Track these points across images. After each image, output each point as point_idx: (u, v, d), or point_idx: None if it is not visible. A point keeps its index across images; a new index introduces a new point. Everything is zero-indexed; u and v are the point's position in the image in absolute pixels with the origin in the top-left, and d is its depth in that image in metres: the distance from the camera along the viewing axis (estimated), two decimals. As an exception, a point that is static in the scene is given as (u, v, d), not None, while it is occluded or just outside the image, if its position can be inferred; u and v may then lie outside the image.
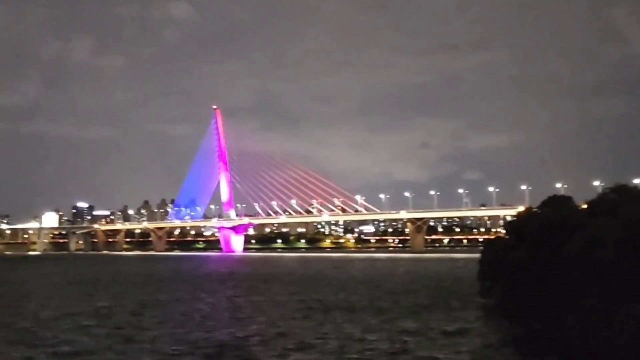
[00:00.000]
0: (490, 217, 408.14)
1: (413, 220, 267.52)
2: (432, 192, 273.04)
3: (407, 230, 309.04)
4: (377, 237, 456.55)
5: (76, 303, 56.19)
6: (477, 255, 54.30)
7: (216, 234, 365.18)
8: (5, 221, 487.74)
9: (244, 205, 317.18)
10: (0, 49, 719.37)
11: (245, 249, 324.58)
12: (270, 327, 39.87)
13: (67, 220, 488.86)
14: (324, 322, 41.87)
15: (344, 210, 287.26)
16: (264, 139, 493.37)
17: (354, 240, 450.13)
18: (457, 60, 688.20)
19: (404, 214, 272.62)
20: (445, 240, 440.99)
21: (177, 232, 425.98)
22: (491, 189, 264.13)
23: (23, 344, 34.74)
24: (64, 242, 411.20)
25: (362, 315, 45.46)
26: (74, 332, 39.04)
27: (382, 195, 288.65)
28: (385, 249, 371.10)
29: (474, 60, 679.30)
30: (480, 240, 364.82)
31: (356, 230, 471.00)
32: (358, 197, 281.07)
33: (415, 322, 41.71)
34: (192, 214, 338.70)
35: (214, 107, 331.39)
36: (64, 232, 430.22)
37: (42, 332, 38.93)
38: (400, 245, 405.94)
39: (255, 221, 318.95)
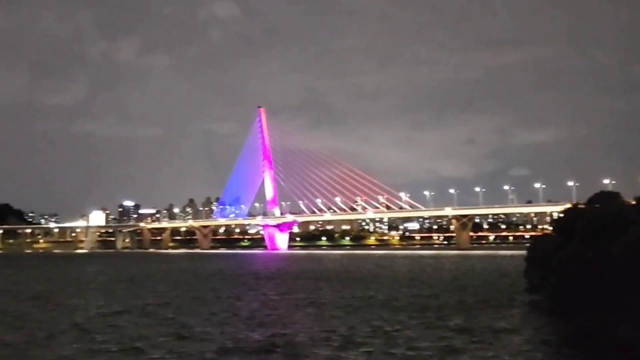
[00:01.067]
0: (536, 214, 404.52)
1: (458, 217, 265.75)
2: (477, 189, 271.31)
3: (452, 227, 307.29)
4: (422, 235, 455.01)
5: (124, 301, 56.61)
6: (524, 252, 53.67)
7: (261, 232, 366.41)
8: (53, 220, 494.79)
9: (289, 203, 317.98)
10: (48, 50, 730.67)
11: (289, 247, 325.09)
12: (316, 325, 39.74)
13: (114, 219, 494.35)
14: (370, 320, 41.65)
15: (388, 208, 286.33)
16: (308, 137, 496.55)
17: (398, 238, 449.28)
18: (502, 55, 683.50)
19: (449, 211, 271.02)
20: (491, 238, 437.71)
21: (222, 230, 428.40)
22: (537, 185, 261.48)
23: (74, 341, 35.02)
24: (110, 241, 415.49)
25: (408, 313, 45.14)
26: (122, 329, 39.31)
27: (426, 192, 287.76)
28: (430, 246, 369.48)
29: (519, 55, 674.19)
30: (527, 237, 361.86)
31: (401, 227, 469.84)
32: (403, 194, 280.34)
33: (462, 320, 41.29)
34: (237, 212, 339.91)
35: (259, 105, 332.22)
36: (110, 231, 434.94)
37: (92, 329, 39.23)
38: (445, 242, 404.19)
39: (300, 219, 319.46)
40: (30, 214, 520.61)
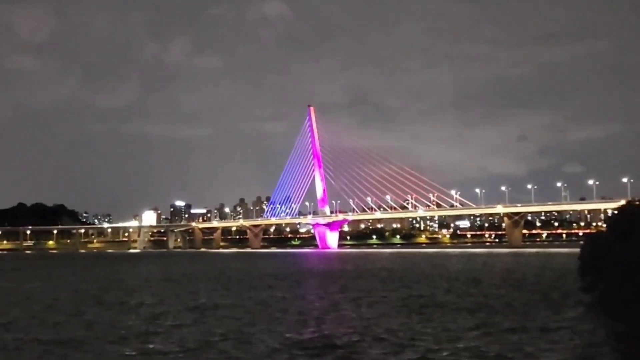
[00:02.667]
0: (590, 211, 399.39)
1: (510, 215, 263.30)
2: (529, 186, 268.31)
3: (503, 225, 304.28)
4: (473, 232, 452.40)
5: (178, 300, 57.07)
6: (577, 250, 52.85)
7: (311, 231, 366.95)
8: (106, 220, 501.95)
9: (339, 201, 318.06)
10: (101, 53, 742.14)
11: (340, 245, 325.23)
12: (368, 325, 39.64)
13: (166, 219, 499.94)
14: (422, 320, 41.43)
15: (439, 206, 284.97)
16: (358, 135, 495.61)
17: (449, 236, 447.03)
18: (554, 51, 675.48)
19: (500, 209, 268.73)
20: (544, 235, 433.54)
21: (272, 229, 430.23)
22: (591, 182, 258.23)
23: (129, 340, 35.37)
24: (162, 240, 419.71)
25: (460, 312, 44.81)
26: (177, 328, 39.59)
27: (478, 190, 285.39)
28: (481, 244, 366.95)
29: (571, 50, 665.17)
30: (580, 234, 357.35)
31: (452, 225, 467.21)
32: (453, 192, 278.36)
33: (515, 319, 40.87)
34: (288, 211, 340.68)
35: (308, 104, 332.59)
36: (162, 231, 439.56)
37: (152, 329, 39.57)
38: (497, 240, 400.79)
39: (350, 217, 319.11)
40: (84, 215, 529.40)
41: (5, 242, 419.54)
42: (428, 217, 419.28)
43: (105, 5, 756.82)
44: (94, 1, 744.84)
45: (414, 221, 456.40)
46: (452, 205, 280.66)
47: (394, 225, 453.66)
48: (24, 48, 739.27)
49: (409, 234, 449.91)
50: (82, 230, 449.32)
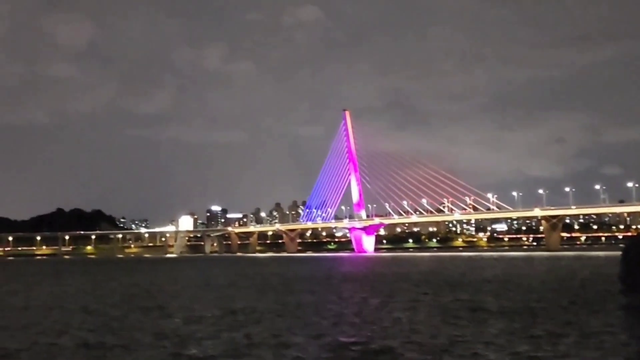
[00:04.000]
0: (629, 214, 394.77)
1: (548, 218, 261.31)
2: (567, 189, 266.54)
3: (541, 228, 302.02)
4: (511, 236, 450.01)
5: (215, 304, 57.15)
6: (617, 253, 52.14)
7: (347, 235, 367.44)
8: (144, 225, 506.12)
9: (375, 205, 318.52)
10: (137, 59, 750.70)
11: (376, 249, 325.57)
12: (406, 330, 39.38)
13: (202, 224, 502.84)
14: (461, 324, 41.06)
15: (475, 209, 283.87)
16: (394, 138, 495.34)
17: (486, 239, 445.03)
18: (591, 52, 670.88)
19: (538, 212, 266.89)
20: (582, 238, 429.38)
21: (308, 233, 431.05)
22: (630, 184, 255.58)
23: (168, 345, 35.47)
24: (199, 245, 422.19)
25: (498, 317, 44.36)
26: (215, 333, 39.62)
27: (514, 193, 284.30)
28: (519, 248, 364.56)
29: (608, 51, 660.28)
30: (620, 237, 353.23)
31: (488, 228, 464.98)
32: (490, 195, 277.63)
33: (555, 323, 40.36)
34: (323, 215, 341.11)
35: (344, 108, 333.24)
36: (199, 235, 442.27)
37: (186, 332, 39.66)
38: (535, 243, 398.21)
39: (386, 221, 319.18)
40: (121, 220, 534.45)
41: (44, 247, 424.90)
42: (464, 221, 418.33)
43: (142, 12, 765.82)
44: (132, 9, 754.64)
45: (451, 225, 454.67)
46: (488, 209, 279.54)
47: (431, 229, 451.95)
48: (63, 56, 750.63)
49: (445, 237, 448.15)
50: (120, 236, 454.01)
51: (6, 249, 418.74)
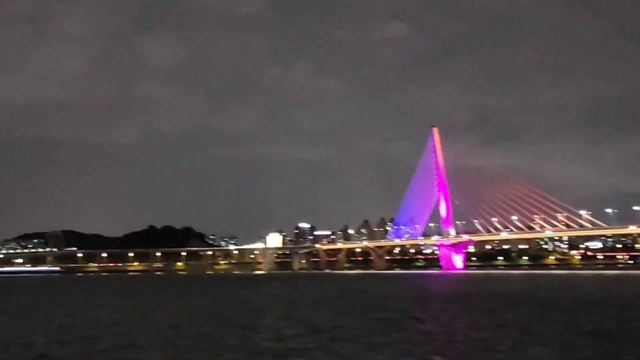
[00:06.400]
0: None
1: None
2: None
3: (637, 246, 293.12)
4: (605, 254, 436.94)
5: (303, 321, 56.62)
6: None
7: (436, 252, 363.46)
8: (233, 242, 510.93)
9: (464, 222, 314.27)
10: (226, 78, 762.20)
11: (465, 267, 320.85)
12: (498, 350, 38.04)
13: (290, 241, 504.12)
14: (552, 347, 39.42)
15: (567, 226, 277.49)
16: (482, 155, 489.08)
17: (579, 257, 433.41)
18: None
19: (633, 229, 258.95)
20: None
21: (396, 250, 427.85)
22: None
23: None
24: (287, 262, 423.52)
25: (592, 338, 42.52)
26: (304, 351, 39.05)
27: (609, 210, 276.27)
28: (614, 266, 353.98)
29: None
30: None
31: (581, 246, 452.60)
32: (583, 212, 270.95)
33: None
34: (411, 231, 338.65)
35: (432, 124, 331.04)
36: (287, 252, 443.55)
37: (276, 349, 39.21)
38: (631, 261, 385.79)
39: (475, 238, 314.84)
40: (211, 237, 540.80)
41: (136, 263, 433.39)
42: (556, 238, 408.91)
43: (230, 32, 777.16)
44: (219, 28, 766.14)
45: (542, 242, 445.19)
46: (581, 226, 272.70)
47: (521, 246, 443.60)
48: (152, 75, 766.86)
49: (536, 255, 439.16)
50: (209, 252, 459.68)
51: (100, 265, 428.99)
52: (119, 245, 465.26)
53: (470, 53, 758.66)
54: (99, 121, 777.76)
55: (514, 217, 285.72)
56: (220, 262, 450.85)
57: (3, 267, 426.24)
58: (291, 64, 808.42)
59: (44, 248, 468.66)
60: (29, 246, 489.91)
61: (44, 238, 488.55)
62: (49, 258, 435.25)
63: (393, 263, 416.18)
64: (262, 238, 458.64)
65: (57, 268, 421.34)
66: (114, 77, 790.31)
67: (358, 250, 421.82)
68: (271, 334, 47.69)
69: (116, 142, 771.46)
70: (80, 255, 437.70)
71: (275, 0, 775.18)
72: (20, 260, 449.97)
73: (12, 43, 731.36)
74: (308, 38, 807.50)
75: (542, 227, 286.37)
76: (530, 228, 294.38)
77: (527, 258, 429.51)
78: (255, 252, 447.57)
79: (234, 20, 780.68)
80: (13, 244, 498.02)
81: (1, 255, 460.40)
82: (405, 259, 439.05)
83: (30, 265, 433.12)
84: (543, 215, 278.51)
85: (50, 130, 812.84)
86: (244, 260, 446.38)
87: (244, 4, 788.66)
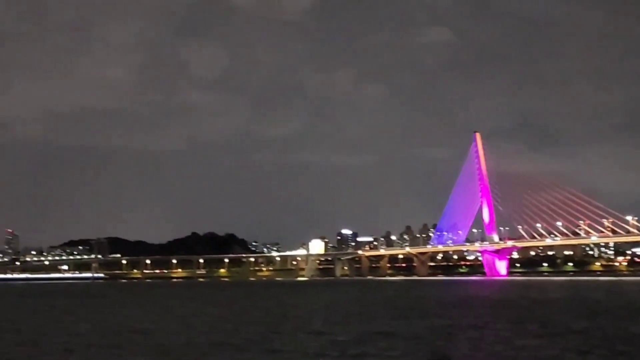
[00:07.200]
0: None
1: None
2: None
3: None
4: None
5: (348, 328, 56.46)
6: None
7: (479, 258, 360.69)
8: (275, 249, 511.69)
9: (507, 228, 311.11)
10: (269, 85, 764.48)
11: (509, 273, 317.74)
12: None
13: (333, 247, 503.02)
14: (600, 355, 38.71)
15: (614, 232, 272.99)
16: (525, 160, 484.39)
17: (626, 263, 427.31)
18: None
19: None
20: None
21: (439, 256, 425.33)
22: None
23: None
24: (330, 268, 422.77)
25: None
26: (352, 357, 38.88)
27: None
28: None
29: None
30: None
31: (628, 252, 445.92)
32: (629, 217, 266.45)
33: None
34: (454, 238, 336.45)
35: (474, 130, 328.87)
36: (329, 259, 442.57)
37: (324, 356, 39.10)
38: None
39: (519, 244, 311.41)
40: (253, 243, 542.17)
41: (180, 270, 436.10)
42: (602, 244, 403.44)
43: (272, 39, 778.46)
44: (262, 36, 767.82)
45: (587, 248, 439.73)
46: (628, 232, 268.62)
47: (566, 252, 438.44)
48: (196, 84, 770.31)
49: (582, 261, 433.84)
50: (252, 259, 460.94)
51: (144, 271, 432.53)
52: (163, 252, 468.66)
53: (512, 57, 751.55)
54: (143, 129, 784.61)
55: (559, 223, 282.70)
56: (263, 268, 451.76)
57: (49, 273, 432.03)
58: (333, 70, 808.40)
59: (89, 255, 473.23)
60: (74, 253, 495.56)
61: (89, 245, 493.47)
62: (94, 265, 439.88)
63: (436, 269, 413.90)
64: (304, 244, 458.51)
65: (102, 275, 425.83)
66: (158, 85, 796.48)
67: (400, 256, 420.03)
68: (319, 341, 47.55)
69: (160, 150, 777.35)
70: (124, 262, 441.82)
71: (317, 7, 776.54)
72: (66, 267, 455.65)
73: (57, 51, 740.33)
74: (350, 44, 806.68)
75: (587, 232, 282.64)
76: (575, 234, 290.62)
77: (572, 264, 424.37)
78: (297, 258, 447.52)
79: (276, 27, 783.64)
80: (58, 251, 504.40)
81: (47, 262, 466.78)
82: (449, 265, 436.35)
83: (75, 272, 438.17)
84: (588, 221, 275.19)
85: (95, 138, 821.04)
86: (287, 267, 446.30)
87: (286, 11, 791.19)
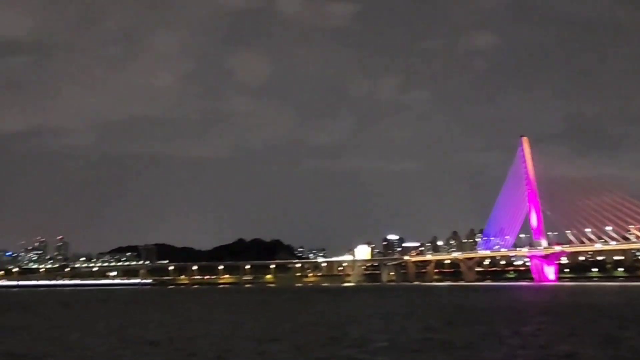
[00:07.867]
0: None
1: None
2: None
3: None
4: None
5: (394, 334, 56.03)
6: None
7: (527, 264, 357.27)
8: (321, 254, 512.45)
9: (556, 233, 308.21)
10: (315, 92, 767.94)
11: (558, 279, 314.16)
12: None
13: (379, 252, 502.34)
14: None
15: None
16: (575, 164, 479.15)
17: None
18: None
19: None
20: None
21: (487, 261, 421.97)
22: None
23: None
24: (376, 274, 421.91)
25: None
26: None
27: None
28: None
29: None
30: None
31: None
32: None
33: None
34: (502, 243, 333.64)
35: (521, 134, 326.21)
36: (376, 264, 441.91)
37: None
38: None
39: (568, 249, 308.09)
40: (299, 249, 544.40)
41: (226, 276, 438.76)
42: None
43: (317, 46, 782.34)
44: (307, 43, 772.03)
45: (638, 253, 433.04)
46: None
47: (616, 258, 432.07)
48: (242, 91, 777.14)
49: (632, 266, 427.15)
50: (298, 265, 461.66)
51: (191, 277, 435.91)
52: (209, 258, 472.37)
53: (560, 61, 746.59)
54: (190, 136, 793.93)
55: (608, 228, 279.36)
56: (309, 274, 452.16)
57: (98, 279, 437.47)
58: (379, 76, 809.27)
59: (137, 261, 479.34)
60: (123, 259, 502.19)
61: (137, 251, 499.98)
62: (142, 271, 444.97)
63: (483, 275, 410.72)
64: (350, 250, 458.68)
65: (149, 280, 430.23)
66: (205, 93, 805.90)
67: (447, 261, 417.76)
68: (367, 347, 47.23)
69: (207, 157, 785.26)
70: (171, 268, 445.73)
71: (362, 13, 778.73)
72: (114, 273, 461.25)
73: (106, 60, 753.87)
74: (396, 50, 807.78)
75: (637, 237, 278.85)
76: (626, 238, 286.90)
77: (622, 269, 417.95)
78: (343, 264, 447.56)
79: (321, 34, 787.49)
80: (107, 257, 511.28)
81: (96, 268, 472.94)
82: (496, 270, 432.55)
83: (123, 278, 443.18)
84: (639, 225, 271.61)
85: (143, 146, 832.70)
86: (333, 273, 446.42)
87: (331, 17, 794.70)
